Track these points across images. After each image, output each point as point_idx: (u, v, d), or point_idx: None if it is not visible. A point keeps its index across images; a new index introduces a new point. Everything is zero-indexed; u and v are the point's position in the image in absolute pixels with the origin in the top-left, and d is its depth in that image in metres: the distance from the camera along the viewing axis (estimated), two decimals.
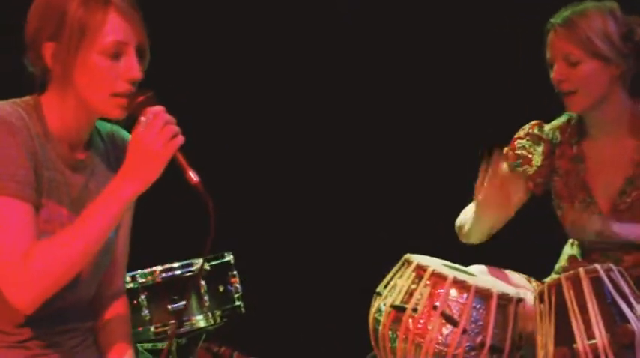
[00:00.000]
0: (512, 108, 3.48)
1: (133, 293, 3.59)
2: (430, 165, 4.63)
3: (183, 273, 3.63)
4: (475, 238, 3.33)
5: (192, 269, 3.65)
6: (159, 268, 3.66)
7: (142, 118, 2.41)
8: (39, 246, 2.40)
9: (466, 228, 3.31)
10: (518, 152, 3.36)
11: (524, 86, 4.13)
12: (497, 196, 3.11)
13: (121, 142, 2.67)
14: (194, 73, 4.71)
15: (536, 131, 3.37)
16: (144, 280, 3.60)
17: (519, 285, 3.16)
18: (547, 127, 3.38)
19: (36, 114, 2.50)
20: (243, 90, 4.82)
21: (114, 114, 2.50)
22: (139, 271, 3.66)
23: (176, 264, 3.66)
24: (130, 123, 2.49)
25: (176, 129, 2.41)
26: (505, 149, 3.36)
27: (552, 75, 3.20)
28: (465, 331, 2.73)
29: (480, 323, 2.75)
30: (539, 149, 3.35)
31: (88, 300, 2.67)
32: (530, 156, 3.35)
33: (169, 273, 3.63)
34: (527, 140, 3.37)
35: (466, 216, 3.33)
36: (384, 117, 4.78)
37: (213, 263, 3.72)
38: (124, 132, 2.68)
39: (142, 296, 3.59)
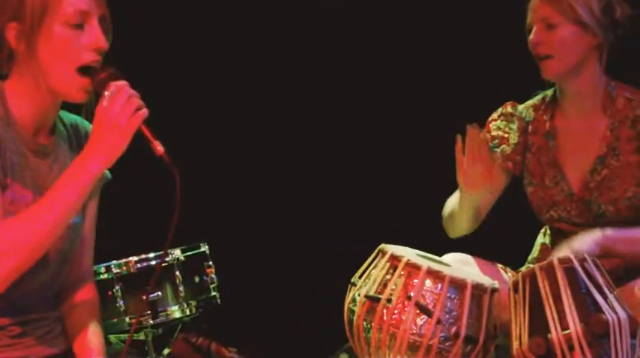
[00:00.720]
0: (492, 98, 3.47)
1: (107, 284, 3.57)
2: (409, 155, 4.63)
3: (157, 264, 3.62)
4: (463, 227, 3.32)
5: (168, 259, 3.64)
6: (134, 258, 3.64)
7: (106, 92, 2.40)
8: (4, 224, 2.39)
9: (454, 217, 3.30)
10: (494, 133, 3.37)
11: (504, 75, 4.14)
12: (479, 173, 3.10)
13: (84, 132, 2.67)
14: (178, 67, 4.70)
15: (509, 109, 3.39)
16: (118, 270, 3.59)
17: (493, 274, 3.15)
18: (521, 106, 3.40)
19: None
20: (226, 81, 4.80)
21: (77, 96, 2.50)
22: (114, 261, 3.65)
23: (151, 255, 3.65)
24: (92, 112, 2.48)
25: (140, 102, 2.41)
26: (480, 133, 3.35)
27: (530, 38, 3.20)
28: (439, 321, 2.72)
29: (455, 313, 2.74)
30: (514, 127, 3.36)
31: (56, 289, 2.66)
32: (506, 135, 3.36)
33: (144, 264, 3.62)
34: (502, 120, 3.38)
35: (451, 205, 3.32)
36: (361, 108, 4.78)
37: (189, 253, 3.71)
38: (87, 124, 2.68)
39: (117, 287, 3.57)
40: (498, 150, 3.36)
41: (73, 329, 2.69)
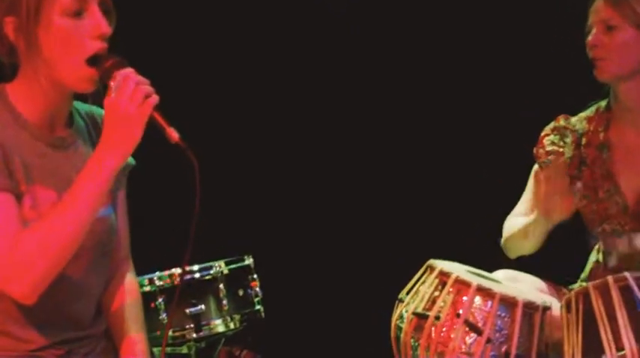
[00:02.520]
0: (539, 112, 3.41)
1: (150, 296, 3.54)
2: (457, 171, 4.58)
3: (202, 276, 3.59)
4: (528, 249, 3.27)
5: (212, 272, 3.61)
6: (177, 271, 3.61)
7: (112, 83, 2.33)
8: (25, 233, 2.33)
9: (520, 239, 3.25)
10: (549, 149, 3.31)
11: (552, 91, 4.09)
12: (559, 204, 3.09)
13: (100, 119, 2.58)
14: (200, 74, 4.68)
15: (562, 123, 3.33)
16: (162, 283, 3.56)
17: (545, 293, 3.10)
18: (573, 119, 3.34)
19: (2, 103, 2.43)
20: (261, 96, 4.78)
21: (85, 86, 2.43)
22: (157, 273, 3.62)
23: (195, 267, 3.62)
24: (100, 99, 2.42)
25: (149, 88, 2.32)
26: (534, 149, 3.32)
27: (588, 39, 3.16)
28: (489, 340, 2.67)
29: (505, 332, 2.69)
30: (568, 140, 3.30)
31: (98, 296, 2.60)
32: (561, 149, 3.30)
33: (188, 276, 3.59)
34: (555, 134, 3.32)
35: (514, 227, 3.27)
36: (409, 120, 4.73)
37: (233, 266, 3.67)
38: (101, 110, 2.54)
39: (160, 300, 3.54)
40: (553, 165, 3.30)
41: (117, 333, 2.64)
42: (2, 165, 2.37)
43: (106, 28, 2.40)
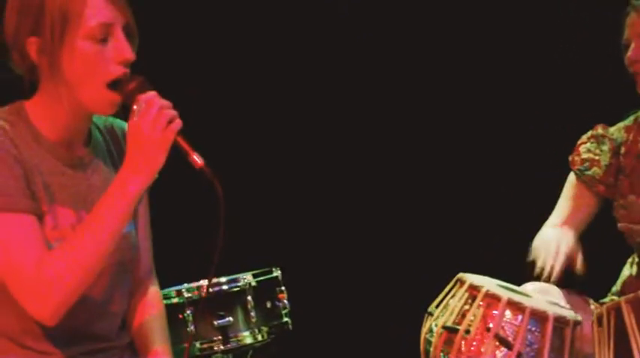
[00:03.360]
0: (581, 121, 3.39)
1: (178, 308, 3.53)
2: (489, 182, 4.55)
3: (230, 288, 3.58)
4: None
5: (239, 284, 3.60)
6: (206, 283, 3.61)
7: (135, 107, 2.33)
8: (50, 255, 2.34)
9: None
10: (584, 156, 3.29)
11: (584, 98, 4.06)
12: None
13: (120, 133, 2.60)
14: (214, 74, 4.67)
15: (600, 131, 3.31)
16: (190, 295, 3.55)
17: (577, 306, 3.07)
18: (612, 128, 3.32)
19: (21, 121, 2.43)
20: (285, 111, 4.76)
21: (106, 110, 2.44)
22: (185, 285, 3.62)
23: (223, 279, 3.61)
24: (125, 113, 2.42)
25: (172, 112, 2.32)
26: (570, 156, 3.31)
27: (628, 55, 3.11)
28: (519, 355, 2.64)
29: (536, 346, 2.66)
30: (605, 148, 3.27)
31: (122, 306, 2.61)
32: (597, 157, 3.28)
33: (216, 288, 3.58)
34: (592, 142, 3.30)
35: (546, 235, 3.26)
36: (440, 131, 4.71)
37: (261, 278, 3.66)
38: (121, 123, 2.61)
39: (188, 312, 3.53)
40: (589, 172, 3.27)
41: (141, 347, 2.65)
42: (24, 185, 2.37)
43: (130, 54, 2.40)
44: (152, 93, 2.34)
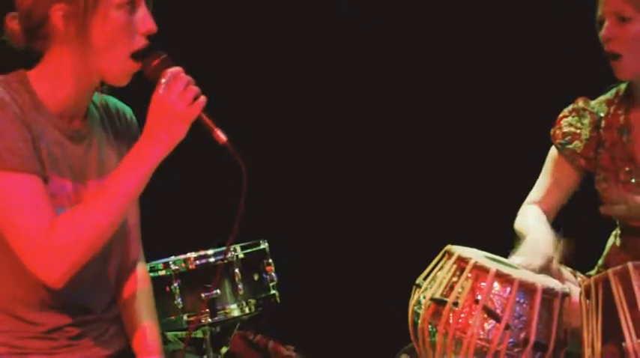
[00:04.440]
0: (562, 95, 3.39)
1: (165, 281, 3.54)
2: (473, 155, 4.56)
3: (217, 261, 3.58)
4: None
5: (227, 257, 3.59)
6: (193, 255, 3.60)
7: (162, 80, 2.36)
8: (63, 218, 2.35)
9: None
10: (566, 130, 3.28)
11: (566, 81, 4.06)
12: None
13: (114, 111, 2.64)
14: (231, 56, 4.68)
15: (580, 104, 3.30)
16: (177, 267, 3.55)
17: (564, 278, 3.07)
18: (593, 102, 3.30)
19: (24, 89, 2.43)
20: (275, 90, 4.76)
21: (123, 80, 2.48)
22: (172, 258, 3.61)
23: (210, 251, 3.61)
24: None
25: (197, 89, 2.37)
26: (551, 130, 3.30)
27: (601, 33, 3.09)
28: (507, 327, 2.63)
29: (524, 318, 2.66)
30: (586, 122, 3.27)
31: (109, 283, 2.61)
32: (578, 131, 3.27)
33: (203, 261, 3.58)
34: (574, 116, 3.29)
35: (522, 227, 3.24)
36: (424, 109, 4.71)
37: (248, 251, 3.66)
38: (116, 101, 2.65)
39: (175, 284, 3.53)
40: (571, 146, 3.27)
41: (129, 322, 2.65)
42: (32, 148, 2.38)
43: (154, 27, 2.44)
44: (178, 69, 2.38)
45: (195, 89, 2.36)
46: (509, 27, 4.51)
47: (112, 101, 2.65)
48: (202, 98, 2.36)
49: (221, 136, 2.36)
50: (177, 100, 2.33)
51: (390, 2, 4.71)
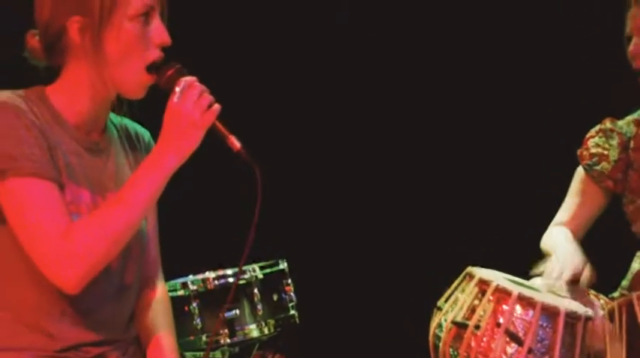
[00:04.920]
0: (589, 115, 3.37)
1: (184, 301, 3.53)
2: (497, 176, 4.53)
3: (235, 281, 3.55)
4: None
5: (246, 276, 3.58)
6: (212, 275, 3.60)
7: (177, 88, 2.39)
8: (79, 223, 2.37)
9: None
10: (593, 151, 3.26)
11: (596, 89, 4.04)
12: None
13: (133, 133, 2.67)
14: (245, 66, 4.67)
15: (608, 125, 3.26)
16: (195, 287, 3.53)
17: (585, 302, 3.03)
18: (621, 122, 3.28)
19: (42, 102, 2.46)
20: (289, 99, 4.75)
21: (139, 93, 2.50)
22: (191, 277, 3.60)
23: (229, 271, 3.60)
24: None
25: (211, 97, 2.40)
26: (578, 151, 3.28)
27: (629, 50, 3.07)
28: (530, 350, 2.60)
29: (547, 342, 2.62)
30: (614, 143, 3.24)
31: (130, 305, 2.61)
32: (605, 152, 3.24)
33: (222, 281, 3.56)
34: (600, 137, 3.26)
35: (553, 239, 3.22)
36: (447, 125, 4.69)
37: (267, 271, 3.65)
38: (135, 124, 2.69)
39: (194, 304, 3.51)
40: (598, 168, 3.24)
41: (146, 338, 2.65)
42: (48, 155, 2.39)
43: (168, 39, 2.46)
44: (193, 78, 2.42)
45: (209, 97, 2.39)
46: (537, 46, 4.48)
47: (131, 123, 2.68)
48: (216, 106, 2.39)
49: (235, 143, 2.39)
50: (192, 108, 2.36)
51: (394, 5, 4.69)
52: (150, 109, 2.58)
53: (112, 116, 2.62)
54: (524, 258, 3.22)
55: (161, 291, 2.72)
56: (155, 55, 2.45)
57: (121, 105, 2.61)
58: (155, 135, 2.46)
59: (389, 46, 4.72)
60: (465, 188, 4.64)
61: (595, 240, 3.46)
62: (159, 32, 2.45)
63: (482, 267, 2.84)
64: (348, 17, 4.73)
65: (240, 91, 4.53)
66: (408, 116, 4.74)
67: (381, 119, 4.76)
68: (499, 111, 4.57)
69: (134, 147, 2.63)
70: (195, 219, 4.49)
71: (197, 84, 2.40)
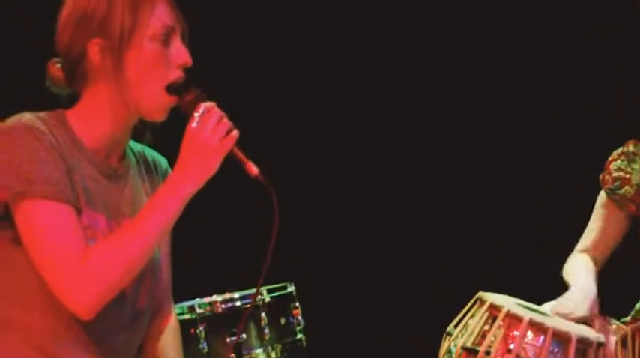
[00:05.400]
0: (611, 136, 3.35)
1: (190, 324, 3.51)
2: (512, 200, 4.51)
3: (243, 304, 3.55)
4: None
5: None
6: (219, 298, 3.58)
7: (195, 114, 2.39)
8: (94, 247, 2.35)
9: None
10: (615, 174, 3.22)
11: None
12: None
13: (151, 160, 2.65)
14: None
15: (631, 148, 3.23)
16: (202, 311, 3.51)
17: (597, 327, 3.01)
18: None
19: (61, 125, 2.45)
20: (294, 119, 4.74)
21: (159, 115, 2.48)
22: (197, 300, 3.59)
23: (236, 295, 3.58)
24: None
25: (230, 123, 2.40)
26: (600, 175, 3.24)
27: None
28: None
29: None
30: (637, 166, 3.21)
31: (141, 332, 2.58)
32: (627, 176, 3.21)
33: (229, 304, 3.55)
34: (622, 160, 3.23)
35: (574, 270, 3.19)
36: (463, 147, 4.67)
37: (275, 294, 3.63)
38: (153, 152, 2.68)
39: (200, 328, 3.49)
40: (621, 192, 3.22)
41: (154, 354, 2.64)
42: (67, 178, 2.38)
43: (189, 59, 2.46)
44: (212, 104, 2.41)
45: (227, 123, 2.39)
46: (562, 70, 4.47)
47: (149, 151, 2.67)
48: (235, 132, 2.39)
49: (253, 169, 2.39)
50: (210, 134, 2.36)
51: (394, 4, 4.68)
52: (173, 137, 2.57)
53: (132, 143, 2.61)
54: (538, 284, 3.21)
55: (172, 320, 2.71)
56: (175, 75, 2.44)
57: (144, 133, 2.60)
58: (174, 162, 2.45)
59: (389, 46, 4.71)
60: (481, 211, 4.62)
61: (607, 263, 3.44)
62: (180, 53, 2.45)
63: (496, 291, 2.82)
64: (348, 16, 4.72)
65: (241, 95, 4.52)
66: (413, 122, 4.72)
67: (384, 125, 4.74)
68: (526, 135, 4.55)
69: (151, 174, 2.61)
70: (203, 242, 4.47)
71: (216, 109, 2.39)
